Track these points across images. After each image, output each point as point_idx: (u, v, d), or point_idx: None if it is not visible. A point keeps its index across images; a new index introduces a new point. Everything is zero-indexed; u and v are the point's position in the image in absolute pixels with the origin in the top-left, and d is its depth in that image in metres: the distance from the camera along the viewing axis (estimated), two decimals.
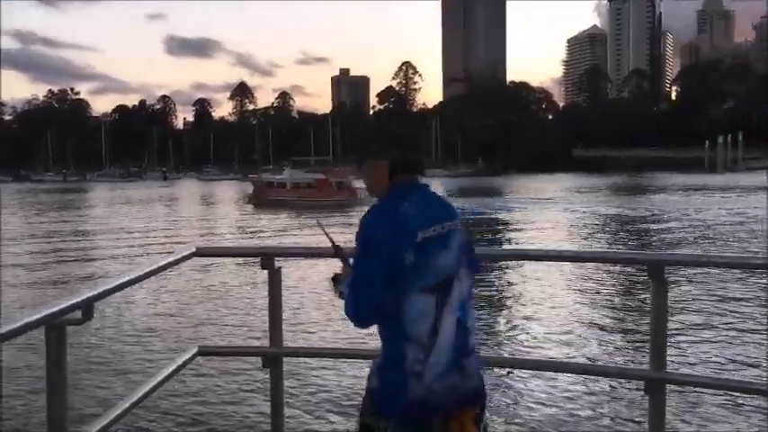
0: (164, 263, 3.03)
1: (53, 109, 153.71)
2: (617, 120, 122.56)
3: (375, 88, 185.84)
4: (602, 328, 9.78)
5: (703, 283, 12.39)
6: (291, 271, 13.06)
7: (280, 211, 36.04)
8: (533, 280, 13.40)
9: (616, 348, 8.67)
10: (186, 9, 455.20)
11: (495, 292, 12.57)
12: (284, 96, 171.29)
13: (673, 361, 7.14)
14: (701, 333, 9.16)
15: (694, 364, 7.61)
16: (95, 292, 2.39)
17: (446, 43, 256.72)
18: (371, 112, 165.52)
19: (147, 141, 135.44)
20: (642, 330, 9.02)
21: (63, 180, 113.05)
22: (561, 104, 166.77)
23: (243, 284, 13.47)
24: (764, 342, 8.56)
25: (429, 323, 1.98)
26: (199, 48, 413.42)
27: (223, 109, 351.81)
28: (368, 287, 2.00)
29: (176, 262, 3.16)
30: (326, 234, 2.45)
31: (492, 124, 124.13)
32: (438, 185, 69.16)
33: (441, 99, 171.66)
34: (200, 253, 3.44)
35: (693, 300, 11.19)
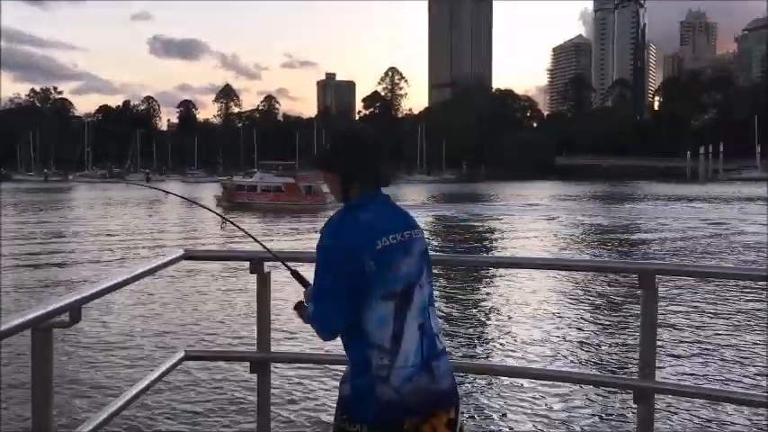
0: (152, 266, 2.98)
1: (35, 108, 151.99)
2: (600, 129, 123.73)
3: (361, 92, 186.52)
4: (590, 336, 9.80)
5: (692, 293, 12.47)
6: (280, 275, 12.97)
7: (251, 214, 35.87)
8: (521, 288, 13.43)
9: (605, 357, 8.70)
10: (172, 10, 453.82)
11: (483, 300, 12.59)
12: (270, 100, 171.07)
13: (662, 368, 7.19)
14: (690, 342, 9.21)
15: (683, 374, 7.64)
16: (83, 295, 2.34)
17: (432, 49, 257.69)
18: (357, 116, 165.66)
19: (131, 142, 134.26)
20: (631, 339, 9.06)
21: (44, 180, 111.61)
22: (546, 113, 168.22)
23: (231, 288, 13.37)
24: (754, 353, 8.63)
25: (390, 330, 2.00)
26: (184, 49, 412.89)
27: (208, 111, 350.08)
28: (332, 300, 2.01)
29: (164, 265, 3.11)
30: (281, 260, 2.57)
31: (477, 131, 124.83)
32: (422, 191, 69.48)
33: (427, 105, 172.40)
34: (189, 256, 3.38)
35: (682, 309, 11.26)
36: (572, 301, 12.34)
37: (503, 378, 7.01)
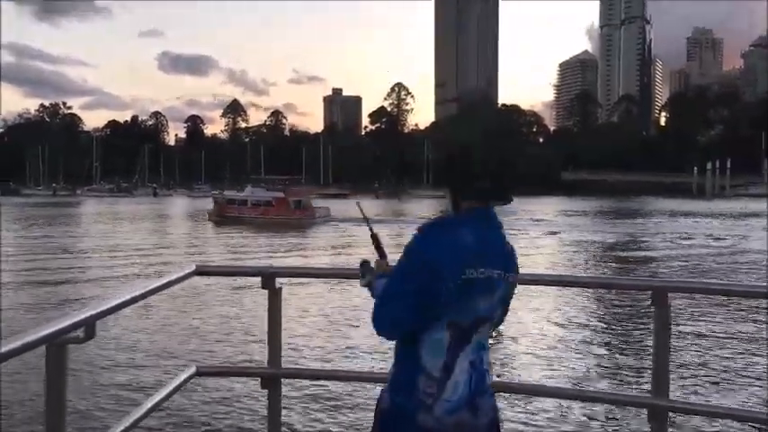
0: (164, 281, 2.96)
1: (44, 123, 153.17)
2: (606, 144, 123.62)
3: (368, 108, 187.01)
4: (603, 354, 9.73)
5: (705, 310, 12.35)
6: (291, 290, 12.94)
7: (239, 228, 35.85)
8: (531, 304, 13.33)
9: (618, 375, 8.62)
10: (181, 26, 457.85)
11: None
12: (277, 115, 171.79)
13: (677, 386, 7.11)
14: (704, 360, 9.12)
15: (697, 393, 7.55)
16: (98, 311, 2.32)
17: (439, 64, 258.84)
18: (363, 131, 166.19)
19: (139, 157, 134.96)
20: (644, 357, 8.98)
21: (53, 194, 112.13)
22: (552, 128, 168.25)
23: (243, 304, 13.34)
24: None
25: (443, 359, 1.94)
26: (192, 65, 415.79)
27: (215, 126, 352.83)
28: (398, 303, 1.93)
29: (177, 281, 3.10)
30: (366, 220, 2.44)
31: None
32: (430, 205, 69.37)
33: (433, 119, 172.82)
34: (201, 272, 3.37)
35: (696, 326, 11.15)
36: (583, 319, 12.26)
37: (516, 395, 6.94)
